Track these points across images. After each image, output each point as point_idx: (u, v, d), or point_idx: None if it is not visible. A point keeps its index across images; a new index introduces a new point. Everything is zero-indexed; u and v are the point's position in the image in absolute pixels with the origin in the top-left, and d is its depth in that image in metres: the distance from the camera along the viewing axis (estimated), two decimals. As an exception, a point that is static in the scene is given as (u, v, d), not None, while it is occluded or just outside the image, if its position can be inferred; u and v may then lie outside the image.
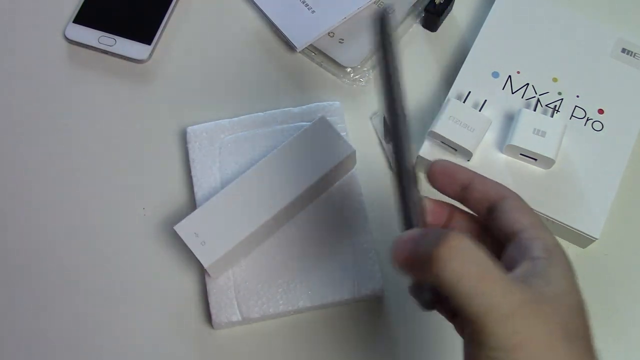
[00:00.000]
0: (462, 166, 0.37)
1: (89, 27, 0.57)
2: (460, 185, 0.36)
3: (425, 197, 0.36)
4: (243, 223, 0.46)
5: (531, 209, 0.35)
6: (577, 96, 0.53)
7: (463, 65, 0.54)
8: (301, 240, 0.50)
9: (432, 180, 0.36)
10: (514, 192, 0.35)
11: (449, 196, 0.36)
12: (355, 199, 0.51)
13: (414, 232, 0.32)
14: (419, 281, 0.33)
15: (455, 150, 0.50)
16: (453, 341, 0.34)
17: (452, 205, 0.37)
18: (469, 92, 0.52)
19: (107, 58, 0.57)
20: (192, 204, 0.51)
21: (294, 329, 0.48)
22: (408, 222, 0.34)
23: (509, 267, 0.32)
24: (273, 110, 0.54)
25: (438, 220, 0.37)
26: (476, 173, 0.36)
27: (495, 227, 0.35)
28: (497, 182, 0.36)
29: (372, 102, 0.56)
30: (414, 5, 0.58)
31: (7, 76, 0.57)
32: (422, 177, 0.36)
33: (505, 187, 0.35)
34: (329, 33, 0.57)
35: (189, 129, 0.53)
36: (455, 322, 0.35)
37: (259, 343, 0.48)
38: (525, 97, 0.53)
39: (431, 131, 0.50)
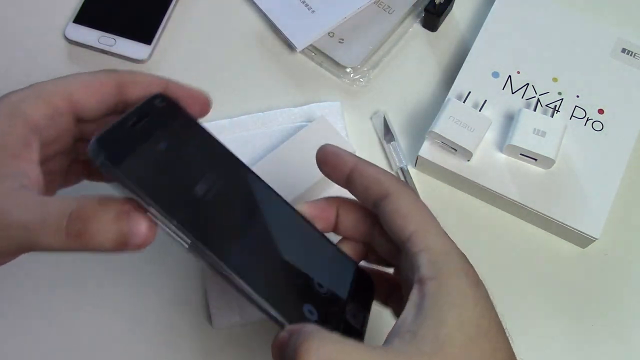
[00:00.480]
0: (345, 152, 0.33)
1: (89, 27, 0.57)
2: (344, 175, 0.32)
3: (306, 203, 0.34)
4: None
5: (418, 206, 0.30)
6: (577, 96, 0.53)
7: (463, 65, 0.54)
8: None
9: (320, 169, 0.33)
10: (399, 185, 0.31)
11: (341, 186, 0.33)
12: (355, 199, 0.51)
13: (279, 339, 0.29)
14: None
15: (455, 150, 0.50)
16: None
17: (339, 200, 0.34)
18: (469, 92, 0.52)
19: (107, 58, 0.57)
20: (192, 204, 0.51)
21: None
22: (274, 321, 0.30)
23: (405, 290, 0.30)
24: (273, 110, 0.54)
25: (326, 222, 0.34)
26: (359, 161, 0.32)
27: (385, 229, 0.31)
28: (379, 173, 0.32)
29: (372, 102, 0.56)
30: (414, 5, 0.58)
31: (7, 76, 0.57)
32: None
33: (389, 179, 0.31)
34: (329, 33, 0.57)
35: (189, 129, 0.53)
36: None
37: (259, 343, 0.48)
38: (525, 97, 0.53)
39: (431, 131, 0.50)
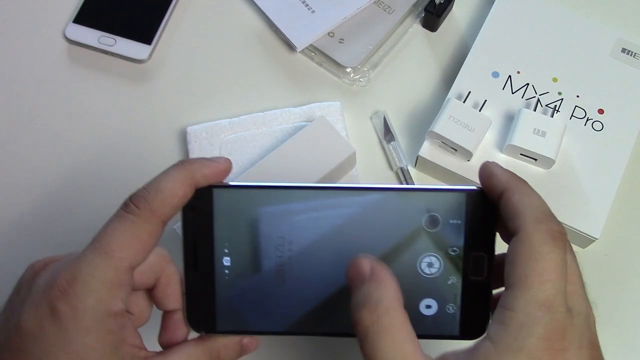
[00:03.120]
0: (498, 173, 0.34)
1: (89, 27, 0.57)
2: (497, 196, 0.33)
3: None
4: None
5: (545, 252, 0.30)
6: (577, 96, 0.53)
7: (463, 65, 0.54)
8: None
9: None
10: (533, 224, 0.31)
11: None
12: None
13: (358, 263, 0.30)
14: None
15: (455, 150, 0.50)
16: None
17: None
18: (469, 92, 0.52)
19: (107, 58, 0.57)
20: (192, 204, 0.51)
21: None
22: None
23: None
24: (273, 110, 0.54)
25: None
26: (509, 186, 0.33)
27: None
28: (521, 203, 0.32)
29: (372, 102, 0.56)
30: (414, 5, 0.58)
31: (7, 76, 0.57)
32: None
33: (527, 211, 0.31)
34: (329, 33, 0.57)
35: (189, 129, 0.53)
36: None
37: (260, 343, 0.48)
38: (525, 97, 0.53)
39: (431, 131, 0.50)
